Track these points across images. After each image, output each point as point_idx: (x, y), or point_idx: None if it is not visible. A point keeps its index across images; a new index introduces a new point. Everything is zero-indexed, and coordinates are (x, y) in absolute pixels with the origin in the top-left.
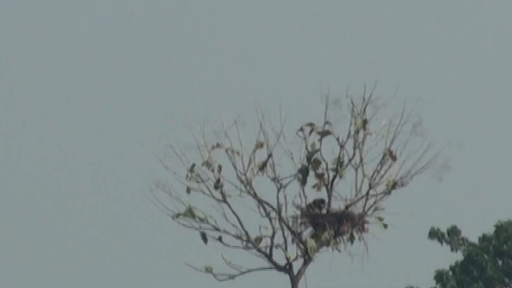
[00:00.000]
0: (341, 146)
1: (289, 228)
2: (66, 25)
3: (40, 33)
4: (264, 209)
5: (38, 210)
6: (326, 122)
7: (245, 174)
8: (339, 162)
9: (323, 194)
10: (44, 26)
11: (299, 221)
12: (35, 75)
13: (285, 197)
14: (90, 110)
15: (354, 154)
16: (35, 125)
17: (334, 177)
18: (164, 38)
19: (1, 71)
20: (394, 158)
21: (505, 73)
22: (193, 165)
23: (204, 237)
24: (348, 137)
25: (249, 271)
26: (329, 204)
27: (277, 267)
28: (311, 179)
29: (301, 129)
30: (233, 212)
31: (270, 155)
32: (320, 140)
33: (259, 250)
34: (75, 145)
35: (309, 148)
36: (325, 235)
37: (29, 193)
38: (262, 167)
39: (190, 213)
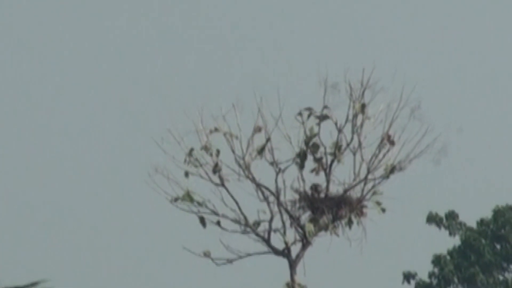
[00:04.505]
0: (339, 131)
1: (287, 212)
2: (67, 12)
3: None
4: (263, 193)
5: (38, 197)
6: (325, 107)
7: (243, 158)
8: (337, 147)
9: (321, 178)
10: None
11: (297, 205)
12: (37, 59)
13: (284, 181)
14: (89, 95)
15: (352, 139)
16: (34, 112)
17: (332, 161)
18: (162, 22)
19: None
20: (392, 143)
21: (505, 58)
22: (192, 150)
23: (202, 221)
24: (346, 121)
25: (248, 255)
26: (327, 188)
27: (276, 251)
28: (310, 163)
29: (300, 114)
30: (232, 196)
31: (268, 139)
32: (319, 124)
33: (257, 234)
34: (74, 130)
35: (308, 133)
36: (324, 220)
37: (30, 179)
38: (261, 151)
39: (188, 197)
